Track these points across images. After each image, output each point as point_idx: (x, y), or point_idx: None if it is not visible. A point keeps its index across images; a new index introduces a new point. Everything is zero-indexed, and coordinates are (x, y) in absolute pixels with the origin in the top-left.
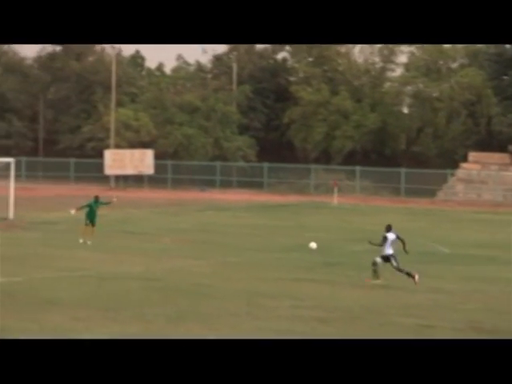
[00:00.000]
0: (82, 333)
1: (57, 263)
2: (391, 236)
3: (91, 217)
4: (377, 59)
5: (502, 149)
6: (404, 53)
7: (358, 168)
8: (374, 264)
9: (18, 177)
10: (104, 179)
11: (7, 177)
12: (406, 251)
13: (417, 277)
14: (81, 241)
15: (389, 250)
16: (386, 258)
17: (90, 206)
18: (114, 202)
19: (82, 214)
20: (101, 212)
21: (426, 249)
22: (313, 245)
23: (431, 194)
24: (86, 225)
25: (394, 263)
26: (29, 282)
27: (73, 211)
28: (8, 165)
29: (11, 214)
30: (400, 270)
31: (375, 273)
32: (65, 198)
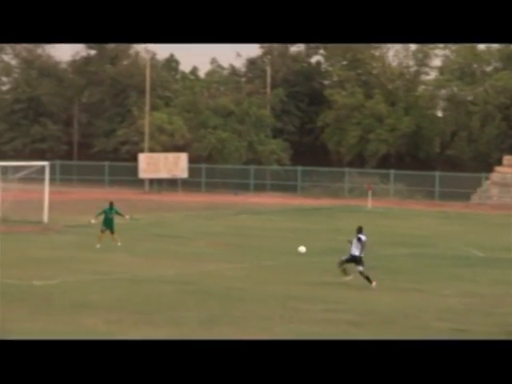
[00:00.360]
0: (115, 335)
1: (91, 266)
2: (363, 238)
3: (107, 223)
4: (411, 62)
5: None
6: (438, 56)
7: (392, 171)
8: (341, 263)
9: (52, 180)
10: (138, 183)
11: (42, 180)
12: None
13: (374, 283)
14: (98, 246)
15: (356, 251)
16: (353, 258)
17: (105, 212)
18: (127, 219)
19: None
20: (137, 215)
21: (460, 252)
22: (302, 249)
23: (465, 197)
24: (102, 231)
25: (343, 258)
26: (63, 284)
27: (93, 220)
28: (43, 168)
29: (45, 218)
30: (341, 265)
31: (344, 271)
32: (99, 201)
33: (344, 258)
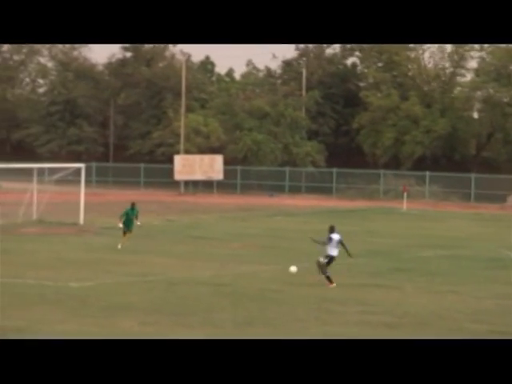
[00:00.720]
0: (151, 337)
1: (127, 268)
2: (336, 237)
3: (127, 224)
4: (447, 64)
5: None
6: (474, 58)
7: (427, 173)
8: (318, 263)
9: (88, 182)
10: (174, 184)
11: (78, 182)
12: (349, 255)
13: (334, 285)
14: (119, 247)
15: (333, 252)
16: (332, 259)
17: (127, 213)
18: (138, 224)
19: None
20: (171, 217)
21: (495, 254)
22: (293, 269)
23: (501, 199)
24: (125, 232)
25: (323, 260)
26: (99, 286)
27: (120, 225)
28: (79, 170)
29: (81, 220)
30: (325, 272)
31: (329, 278)
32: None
33: (324, 261)
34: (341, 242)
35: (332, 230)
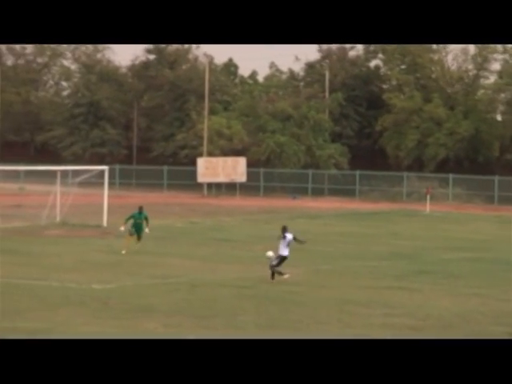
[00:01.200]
0: (174, 337)
1: (149, 270)
2: (289, 236)
3: (136, 228)
4: (470, 66)
5: None
6: (497, 60)
7: (450, 176)
8: (271, 267)
9: (111, 184)
10: (197, 187)
11: (101, 184)
12: (302, 242)
13: (287, 275)
14: (123, 252)
15: (284, 252)
16: (283, 259)
17: (133, 216)
18: (146, 232)
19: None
20: (194, 219)
21: None
22: (269, 253)
23: None
24: (131, 234)
25: (274, 262)
26: (122, 288)
27: (122, 227)
28: (102, 173)
29: (105, 222)
30: (272, 268)
31: (278, 273)
32: (158, 205)
33: (274, 262)
34: (294, 239)
35: (285, 229)
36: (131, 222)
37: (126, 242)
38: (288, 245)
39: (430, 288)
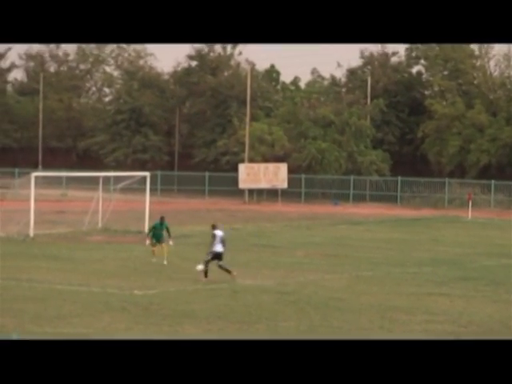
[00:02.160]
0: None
1: (191, 276)
2: (219, 233)
3: (157, 237)
4: None
5: None
6: None
7: (493, 182)
8: (205, 263)
9: (153, 191)
10: (238, 193)
11: (143, 191)
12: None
13: (234, 273)
14: (154, 260)
15: (217, 248)
16: (217, 255)
17: (154, 227)
18: (170, 244)
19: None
20: (236, 225)
21: None
22: (199, 267)
23: None
24: (153, 245)
25: (207, 258)
26: (163, 294)
27: (147, 241)
28: (144, 179)
29: (146, 228)
30: (205, 263)
31: (205, 273)
32: (199, 211)
33: (207, 257)
34: (222, 239)
35: (214, 227)
36: (152, 232)
37: (157, 251)
38: (221, 241)
39: (471, 294)
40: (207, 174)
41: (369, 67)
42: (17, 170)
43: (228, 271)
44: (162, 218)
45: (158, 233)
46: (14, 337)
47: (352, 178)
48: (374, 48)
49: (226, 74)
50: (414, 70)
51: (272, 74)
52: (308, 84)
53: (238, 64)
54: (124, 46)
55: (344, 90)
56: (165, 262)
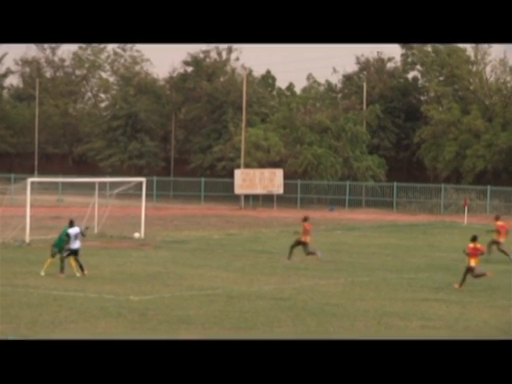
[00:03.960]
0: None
1: (187, 281)
2: (74, 231)
3: (61, 247)
4: (508, 78)
5: None
6: None
7: (488, 187)
8: (61, 259)
9: (149, 196)
10: (234, 198)
11: (139, 196)
12: (84, 235)
13: (86, 272)
14: (42, 273)
15: (74, 245)
16: (71, 252)
17: (66, 234)
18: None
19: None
20: (232, 231)
21: None
22: (136, 234)
23: None
24: (53, 255)
25: (64, 254)
26: (160, 300)
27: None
28: (140, 184)
29: (142, 233)
30: (62, 260)
31: (61, 268)
32: (195, 217)
33: (64, 253)
34: (81, 233)
35: (71, 224)
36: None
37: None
38: (76, 238)
39: (467, 300)
40: (203, 179)
41: (365, 73)
42: (13, 176)
43: (82, 268)
44: (71, 223)
45: (62, 240)
46: (10, 337)
47: (348, 183)
48: (369, 54)
49: (221, 79)
50: (410, 75)
51: (268, 79)
52: (304, 90)
53: (234, 70)
54: (120, 51)
55: (340, 95)
56: (77, 274)
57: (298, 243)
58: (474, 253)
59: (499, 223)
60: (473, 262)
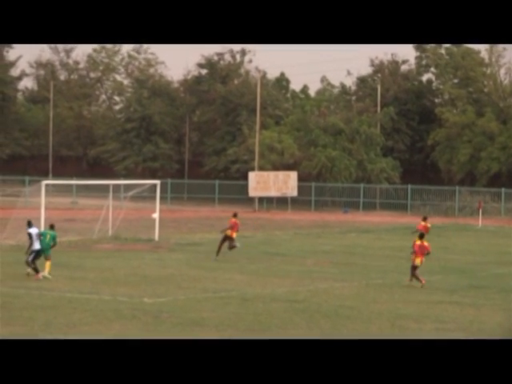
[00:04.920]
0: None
1: (201, 284)
2: (34, 231)
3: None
4: None
5: None
6: None
7: (503, 190)
8: (28, 263)
9: (163, 199)
10: (248, 201)
11: (153, 199)
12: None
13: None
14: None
15: (36, 246)
16: (38, 253)
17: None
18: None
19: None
20: (246, 233)
21: None
22: (154, 215)
23: None
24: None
25: (29, 258)
26: (174, 302)
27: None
28: (154, 187)
29: (156, 236)
30: (29, 264)
31: (35, 270)
32: (209, 219)
33: (30, 258)
34: (40, 234)
35: (29, 224)
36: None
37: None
38: (37, 238)
39: (481, 303)
40: (217, 182)
41: (379, 75)
42: (27, 178)
43: (37, 270)
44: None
45: (44, 243)
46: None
47: (362, 186)
48: (383, 56)
49: (235, 82)
50: (424, 78)
51: (282, 82)
52: (318, 92)
53: (248, 72)
54: (134, 54)
55: (354, 98)
56: (48, 276)
57: (225, 238)
58: (421, 251)
59: (423, 224)
60: (418, 261)
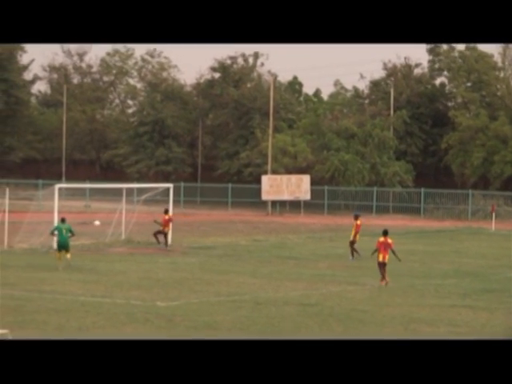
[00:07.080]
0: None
1: (214, 287)
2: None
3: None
4: None
5: None
6: None
7: None
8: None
9: (176, 202)
10: (261, 204)
11: (166, 202)
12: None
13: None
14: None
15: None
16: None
17: (58, 229)
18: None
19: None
20: (259, 237)
21: None
22: (97, 222)
23: None
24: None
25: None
26: (186, 306)
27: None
28: (167, 190)
29: (169, 239)
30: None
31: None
32: (222, 223)
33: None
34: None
35: (63, 221)
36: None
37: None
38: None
39: (494, 306)
40: (230, 185)
41: (392, 79)
42: (40, 182)
43: None
44: (62, 220)
45: (62, 238)
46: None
47: (375, 189)
48: (396, 59)
49: (248, 85)
50: (437, 81)
51: (295, 85)
52: (331, 96)
53: (261, 76)
54: (148, 57)
55: (367, 101)
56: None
57: (160, 232)
58: (384, 248)
59: (358, 222)
60: (381, 257)
